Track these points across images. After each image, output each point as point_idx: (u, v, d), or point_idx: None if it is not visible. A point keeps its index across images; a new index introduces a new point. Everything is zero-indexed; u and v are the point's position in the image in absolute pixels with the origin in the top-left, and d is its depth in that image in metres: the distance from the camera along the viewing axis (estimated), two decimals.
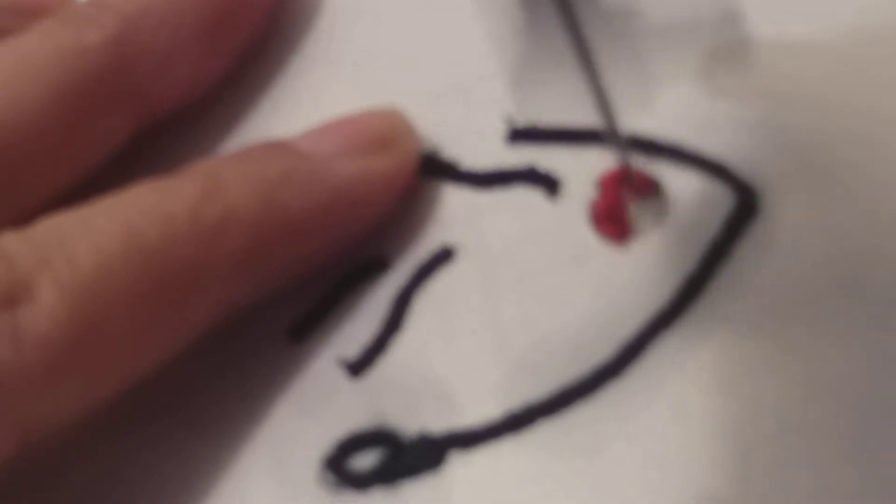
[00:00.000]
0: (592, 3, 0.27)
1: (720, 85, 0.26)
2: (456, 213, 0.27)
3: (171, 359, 0.26)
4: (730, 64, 0.26)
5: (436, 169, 0.28)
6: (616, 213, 0.26)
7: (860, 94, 0.25)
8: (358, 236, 0.27)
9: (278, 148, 0.27)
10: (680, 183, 0.26)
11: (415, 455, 0.25)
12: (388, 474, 0.25)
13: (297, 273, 0.27)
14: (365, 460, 0.25)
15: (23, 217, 0.25)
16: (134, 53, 0.28)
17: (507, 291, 0.26)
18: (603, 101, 0.24)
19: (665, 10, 0.27)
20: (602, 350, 0.25)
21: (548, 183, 0.27)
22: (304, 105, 0.29)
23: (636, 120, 0.26)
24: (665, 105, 0.26)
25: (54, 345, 0.24)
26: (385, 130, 0.28)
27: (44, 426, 0.24)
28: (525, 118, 0.28)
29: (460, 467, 0.25)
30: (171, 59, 0.29)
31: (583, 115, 0.27)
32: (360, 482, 0.25)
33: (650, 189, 0.26)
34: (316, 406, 0.26)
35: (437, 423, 0.25)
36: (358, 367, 0.26)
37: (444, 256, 0.27)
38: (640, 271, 0.26)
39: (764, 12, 0.27)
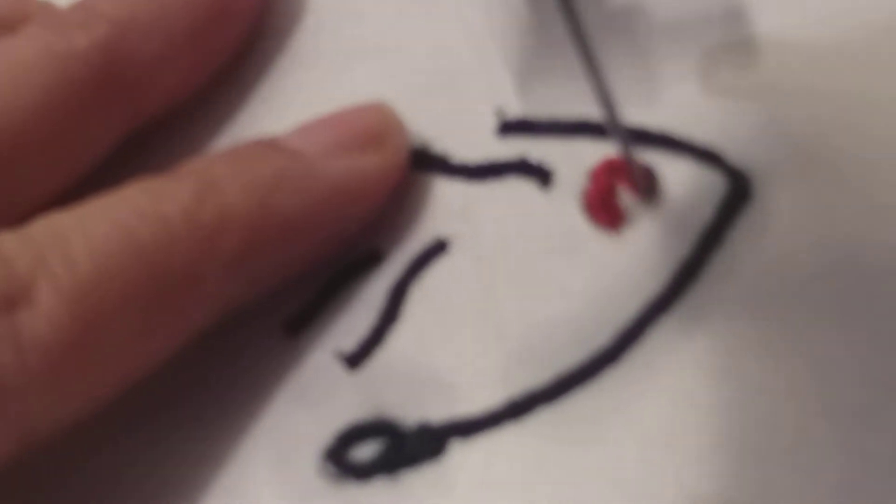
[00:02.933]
0: None
1: (712, 76, 0.26)
2: (449, 206, 0.28)
3: (168, 359, 0.26)
4: (724, 56, 0.27)
5: (427, 162, 0.28)
6: (608, 202, 0.26)
7: (851, 82, 0.26)
8: (352, 233, 0.27)
9: (270, 147, 0.27)
10: (672, 170, 0.26)
11: (415, 444, 0.25)
12: (389, 464, 0.25)
13: (293, 272, 0.27)
14: (365, 451, 0.25)
15: (18, 220, 0.25)
16: (123, 57, 0.28)
17: (502, 281, 0.26)
18: (601, 92, 0.24)
19: (663, 6, 0.27)
20: (599, 336, 0.25)
21: (540, 174, 0.27)
22: (293, 102, 0.29)
23: (628, 111, 0.26)
24: (657, 95, 0.27)
25: (54, 348, 0.24)
26: (375, 126, 0.28)
27: (44, 428, 0.24)
28: (520, 110, 0.28)
29: (461, 455, 0.25)
30: (161, 62, 0.29)
31: (572, 105, 0.27)
32: (362, 473, 0.25)
33: (642, 177, 0.26)
34: (315, 399, 0.26)
35: (437, 412, 0.25)
36: (355, 359, 0.26)
37: (438, 248, 0.27)
38: (635, 258, 0.26)
39: (760, 6, 0.27)
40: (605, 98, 0.24)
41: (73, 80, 0.27)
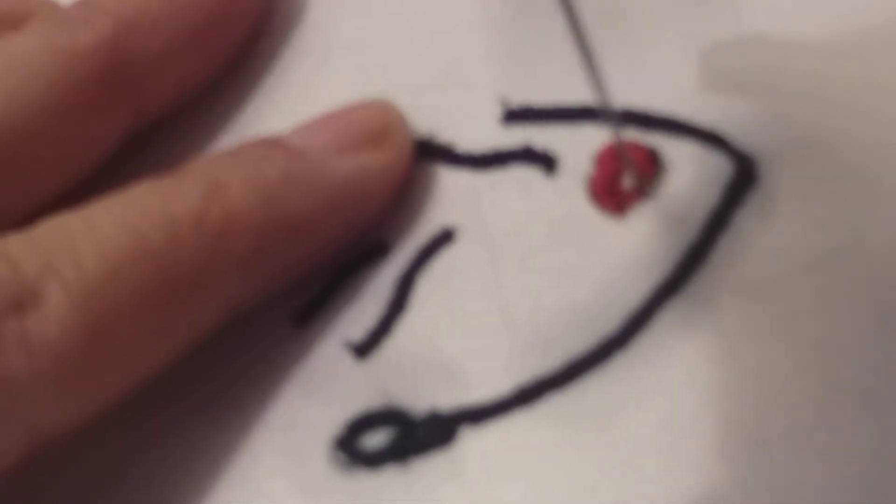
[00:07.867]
0: None
1: (715, 60, 0.26)
2: (455, 195, 0.28)
3: (177, 359, 0.26)
4: (728, 42, 0.27)
5: (432, 152, 0.28)
6: (614, 187, 0.26)
7: (854, 67, 0.26)
8: (358, 230, 0.27)
9: (274, 146, 0.27)
10: (677, 154, 0.26)
11: (426, 432, 0.25)
12: (399, 452, 0.25)
13: (300, 270, 0.27)
14: (376, 439, 0.25)
15: (22, 218, 0.25)
16: (128, 54, 0.28)
17: (510, 269, 0.26)
18: (596, 76, 0.24)
19: None
20: (608, 321, 0.25)
21: (545, 161, 0.27)
22: (296, 98, 0.30)
23: (631, 94, 0.26)
24: (660, 79, 0.27)
25: (64, 351, 0.24)
26: (378, 124, 0.28)
27: (54, 430, 0.24)
28: (519, 98, 0.28)
29: (472, 442, 0.25)
30: (165, 59, 0.29)
31: (575, 92, 0.27)
32: (372, 461, 0.25)
33: (647, 161, 0.26)
34: (324, 389, 0.26)
35: (447, 400, 0.25)
36: (364, 349, 0.26)
37: (445, 238, 0.27)
38: (642, 242, 0.26)
39: None
40: (597, 81, 0.24)
41: (77, 78, 0.28)
